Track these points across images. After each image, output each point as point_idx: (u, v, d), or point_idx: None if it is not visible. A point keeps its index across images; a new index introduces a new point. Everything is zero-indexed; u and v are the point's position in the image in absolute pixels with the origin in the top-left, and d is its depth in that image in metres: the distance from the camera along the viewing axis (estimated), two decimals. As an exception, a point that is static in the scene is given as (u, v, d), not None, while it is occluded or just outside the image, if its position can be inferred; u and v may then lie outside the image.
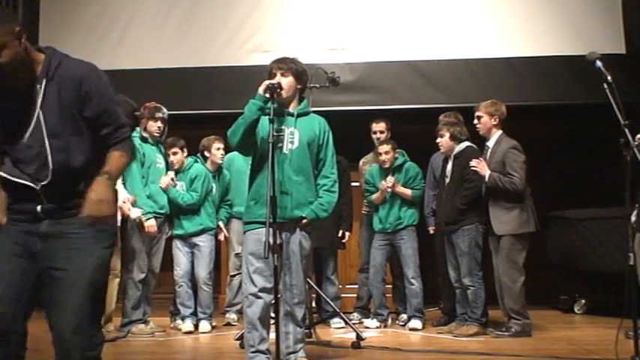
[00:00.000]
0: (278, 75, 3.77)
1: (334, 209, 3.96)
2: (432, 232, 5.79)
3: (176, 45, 6.97)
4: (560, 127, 7.40)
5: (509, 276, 4.91)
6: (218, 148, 5.82)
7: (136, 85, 6.67)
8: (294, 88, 3.83)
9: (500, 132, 5.10)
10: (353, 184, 6.10)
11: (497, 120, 5.09)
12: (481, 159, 5.02)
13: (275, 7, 6.98)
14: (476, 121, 5.15)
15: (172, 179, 5.50)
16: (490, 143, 5.11)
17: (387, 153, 5.64)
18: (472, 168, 5.00)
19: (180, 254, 5.60)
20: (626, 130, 3.42)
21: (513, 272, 4.91)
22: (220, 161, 5.84)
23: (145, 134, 5.39)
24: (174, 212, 5.58)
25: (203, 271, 5.58)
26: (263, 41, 6.87)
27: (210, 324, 5.57)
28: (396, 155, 5.68)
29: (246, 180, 5.63)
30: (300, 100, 3.91)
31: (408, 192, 5.59)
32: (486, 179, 4.94)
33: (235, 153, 5.77)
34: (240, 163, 5.80)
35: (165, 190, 5.46)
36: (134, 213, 5.12)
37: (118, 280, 5.19)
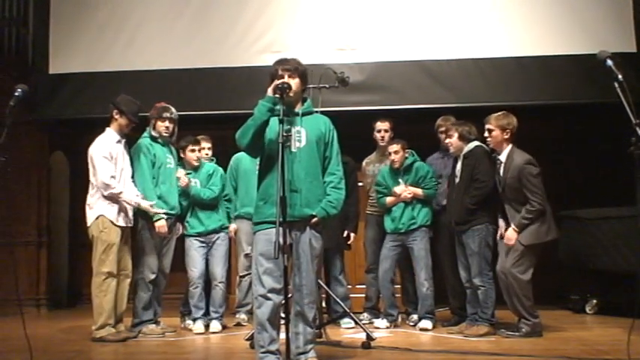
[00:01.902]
0: (285, 76, 3.78)
1: (341, 209, 3.97)
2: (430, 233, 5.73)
3: (186, 46, 7.00)
4: (570, 127, 7.38)
5: (515, 277, 4.88)
6: (203, 148, 5.87)
7: (146, 85, 6.72)
8: (300, 89, 3.86)
9: (510, 146, 5.01)
10: (361, 184, 6.11)
11: (508, 134, 4.99)
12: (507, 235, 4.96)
13: (284, 8, 6.99)
14: (486, 134, 5.07)
15: (185, 175, 5.53)
16: (502, 157, 5.02)
17: (396, 153, 5.63)
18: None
19: (197, 254, 5.63)
20: (637, 129, 3.40)
21: (520, 273, 4.89)
22: (206, 161, 5.89)
23: (154, 134, 5.42)
24: (190, 210, 5.64)
25: (219, 270, 5.61)
26: (272, 42, 6.89)
27: (221, 324, 5.59)
28: (406, 155, 5.66)
29: (253, 180, 5.74)
30: (304, 100, 3.93)
31: (419, 191, 5.58)
32: (518, 233, 4.86)
33: (242, 153, 5.80)
34: (247, 163, 5.83)
35: (186, 188, 5.49)
36: (145, 203, 5.15)
37: (129, 280, 5.22)
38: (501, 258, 5.03)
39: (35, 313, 7.25)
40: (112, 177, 5.05)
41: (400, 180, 5.65)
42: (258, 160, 5.66)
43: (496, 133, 5.02)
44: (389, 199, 5.68)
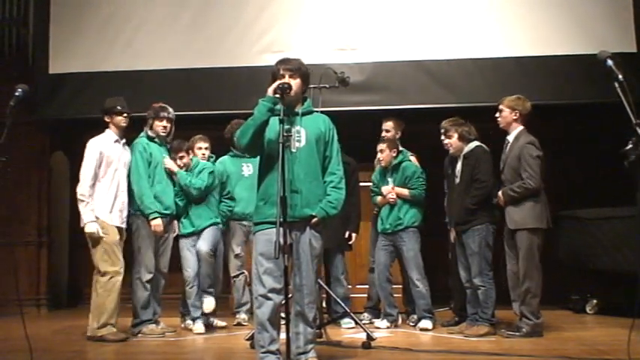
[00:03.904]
0: (286, 76, 3.78)
1: (343, 209, 3.96)
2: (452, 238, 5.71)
3: (186, 46, 6.99)
4: (570, 127, 7.37)
5: (531, 275, 4.88)
6: (200, 148, 5.86)
7: (146, 86, 6.73)
8: (301, 90, 3.86)
9: (521, 127, 5.08)
10: (364, 184, 6.11)
11: (517, 115, 5.07)
12: (499, 194, 5.02)
13: (285, 8, 6.99)
14: (497, 114, 5.16)
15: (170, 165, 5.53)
16: (510, 138, 5.10)
17: (381, 152, 5.66)
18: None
19: (189, 254, 5.63)
20: (638, 130, 3.39)
21: (534, 271, 4.88)
22: (204, 160, 5.87)
23: (151, 134, 5.43)
24: (183, 210, 5.62)
25: (204, 247, 5.57)
26: (273, 42, 6.88)
27: (214, 298, 5.59)
28: (393, 154, 5.67)
29: (239, 182, 5.76)
30: (303, 100, 3.93)
31: (404, 192, 5.60)
32: (503, 200, 4.95)
33: (226, 157, 5.89)
34: (231, 166, 5.90)
35: (171, 172, 5.47)
36: (89, 228, 5.06)
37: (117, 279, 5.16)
38: (511, 260, 5.03)
39: (35, 313, 7.25)
40: (90, 185, 5.07)
41: (389, 179, 5.67)
42: (242, 163, 5.79)
43: (505, 113, 5.11)
44: (379, 199, 5.73)
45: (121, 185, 5.21)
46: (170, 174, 5.52)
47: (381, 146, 5.68)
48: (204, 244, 5.59)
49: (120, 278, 5.06)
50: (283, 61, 3.86)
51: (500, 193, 5.00)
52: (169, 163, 5.49)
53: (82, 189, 5.08)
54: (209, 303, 5.56)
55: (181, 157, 5.62)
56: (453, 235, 5.59)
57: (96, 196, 5.10)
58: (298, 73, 3.81)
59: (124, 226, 5.22)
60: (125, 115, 5.26)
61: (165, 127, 5.44)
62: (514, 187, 4.91)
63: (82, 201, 5.07)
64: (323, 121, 3.93)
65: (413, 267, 5.52)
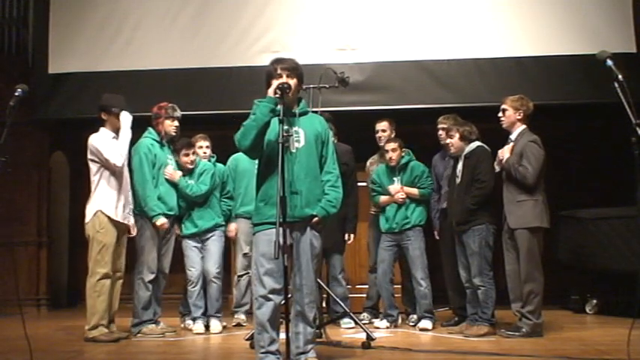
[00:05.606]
0: (284, 76, 3.77)
1: (340, 209, 3.96)
2: (436, 236, 5.78)
3: (185, 46, 7.00)
4: (570, 127, 7.38)
5: (533, 277, 4.87)
6: (201, 147, 5.85)
7: (146, 85, 6.74)
8: (298, 90, 3.86)
9: (524, 127, 5.09)
10: (360, 184, 6.11)
11: (521, 115, 5.08)
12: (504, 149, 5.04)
13: (284, 8, 6.99)
14: (500, 114, 5.15)
15: (173, 170, 5.51)
16: (513, 136, 5.10)
17: (394, 150, 5.64)
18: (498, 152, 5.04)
19: (193, 254, 5.63)
20: (638, 129, 3.40)
21: (535, 272, 4.88)
22: (205, 159, 5.86)
23: (160, 134, 5.40)
24: (185, 211, 5.61)
25: (213, 267, 5.59)
26: (272, 42, 6.89)
27: (220, 322, 5.58)
28: (403, 154, 5.67)
29: (252, 180, 5.73)
30: (299, 101, 3.93)
31: (414, 191, 5.60)
32: (503, 162, 4.95)
33: (240, 153, 5.81)
34: (246, 163, 5.84)
35: (172, 181, 5.46)
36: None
37: (121, 281, 5.18)
38: (510, 260, 5.03)
39: (35, 313, 7.25)
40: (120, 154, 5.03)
41: (395, 179, 5.67)
42: (257, 160, 5.73)
43: (509, 112, 5.11)
44: (382, 198, 5.71)
45: (124, 182, 5.18)
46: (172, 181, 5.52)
47: (392, 145, 5.66)
48: (211, 264, 5.60)
49: (109, 281, 5.03)
50: (279, 61, 3.84)
51: (508, 155, 4.97)
52: (170, 174, 5.47)
53: (117, 161, 5.02)
54: (216, 326, 5.55)
55: (186, 155, 5.60)
56: (436, 232, 5.75)
57: (100, 192, 5.05)
58: (295, 73, 3.79)
59: (127, 222, 5.21)
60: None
61: (177, 127, 5.44)
62: (519, 168, 4.89)
63: (121, 155, 5.02)
64: (319, 121, 3.93)
65: (418, 266, 5.53)
